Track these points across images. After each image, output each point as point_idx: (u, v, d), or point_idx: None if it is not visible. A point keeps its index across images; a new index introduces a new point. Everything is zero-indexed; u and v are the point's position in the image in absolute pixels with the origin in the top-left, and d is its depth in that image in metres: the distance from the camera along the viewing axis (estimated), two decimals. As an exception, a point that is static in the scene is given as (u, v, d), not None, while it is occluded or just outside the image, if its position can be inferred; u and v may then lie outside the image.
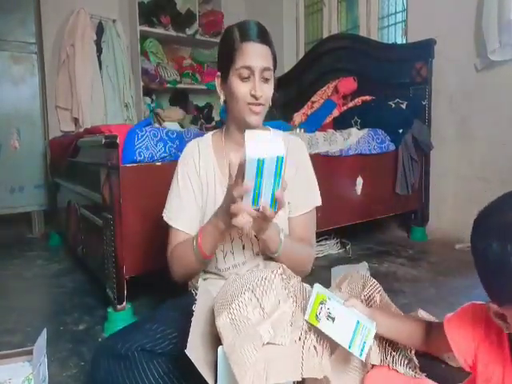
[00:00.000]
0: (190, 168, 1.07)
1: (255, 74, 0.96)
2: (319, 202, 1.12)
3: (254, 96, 0.96)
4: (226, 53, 0.99)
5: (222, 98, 1.04)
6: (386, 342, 0.89)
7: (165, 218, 1.08)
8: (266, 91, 0.98)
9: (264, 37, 0.98)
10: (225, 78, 1.01)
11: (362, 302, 0.89)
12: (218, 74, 1.04)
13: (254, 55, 0.95)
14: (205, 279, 1.10)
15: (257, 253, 1.04)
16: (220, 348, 0.75)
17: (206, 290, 0.93)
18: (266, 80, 0.98)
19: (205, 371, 0.74)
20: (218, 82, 1.04)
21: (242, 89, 0.97)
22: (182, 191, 1.07)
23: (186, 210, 1.06)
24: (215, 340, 0.82)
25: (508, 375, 0.69)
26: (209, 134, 1.14)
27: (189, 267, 1.02)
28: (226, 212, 0.85)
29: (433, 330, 0.85)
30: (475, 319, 0.75)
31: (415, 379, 0.85)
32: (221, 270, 1.06)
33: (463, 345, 0.75)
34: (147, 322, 0.99)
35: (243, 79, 0.97)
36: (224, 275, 1.06)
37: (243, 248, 1.04)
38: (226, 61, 0.99)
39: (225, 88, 1.02)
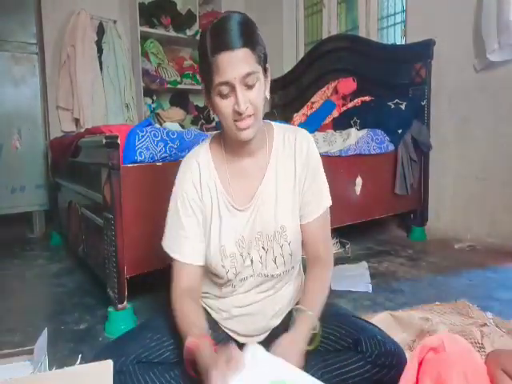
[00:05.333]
0: (190, 193, 0.96)
1: (236, 87, 0.82)
2: (329, 202, 1.02)
3: (237, 112, 0.84)
4: (202, 68, 0.87)
5: (212, 112, 0.97)
6: None
7: (166, 249, 0.98)
8: (252, 99, 0.84)
9: (240, 38, 0.81)
10: (208, 94, 0.89)
11: None
12: (203, 85, 0.91)
13: (228, 67, 0.81)
14: (205, 297, 1.05)
15: (265, 267, 0.98)
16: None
17: None
18: (250, 86, 0.84)
19: None
20: (204, 97, 0.93)
21: (224, 107, 0.85)
22: (183, 219, 0.96)
23: (191, 240, 0.95)
24: None
25: None
26: (206, 145, 1.01)
27: None
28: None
29: None
30: None
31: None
32: (226, 284, 0.98)
33: None
34: (142, 330, 0.96)
35: (223, 96, 0.84)
36: (226, 293, 1.00)
37: (252, 262, 0.97)
38: (204, 76, 0.87)
39: (210, 103, 0.90)
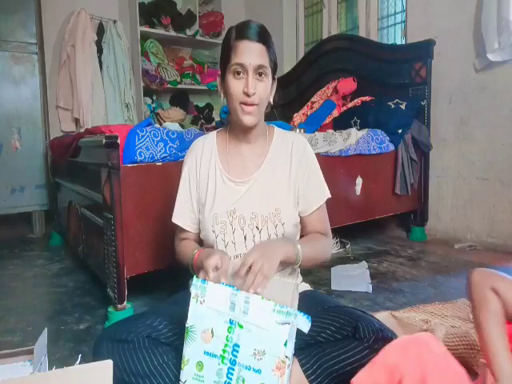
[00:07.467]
0: (191, 164, 1.11)
1: (249, 72, 0.96)
2: (328, 195, 1.13)
3: (246, 94, 0.97)
4: (223, 52, 1.02)
5: (222, 96, 1.07)
6: None
7: None
8: (260, 90, 0.98)
9: (260, 36, 0.98)
10: (223, 77, 1.03)
11: None
12: (219, 72, 1.06)
13: (247, 53, 0.96)
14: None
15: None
16: None
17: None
18: (261, 76, 0.98)
19: None
20: (218, 80, 1.07)
21: (235, 86, 0.98)
22: (180, 187, 1.12)
23: (182, 205, 1.12)
24: None
25: None
26: (214, 132, 1.17)
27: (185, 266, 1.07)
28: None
29: None
30: None
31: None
32: None
33: None
34: (149, 316, 0.99)
35: (236, 75, 0.98)
36: None
37: (245, 239, 1.05)
38: (223, 59, 1.02)
39: (223, 86, 1.04)
